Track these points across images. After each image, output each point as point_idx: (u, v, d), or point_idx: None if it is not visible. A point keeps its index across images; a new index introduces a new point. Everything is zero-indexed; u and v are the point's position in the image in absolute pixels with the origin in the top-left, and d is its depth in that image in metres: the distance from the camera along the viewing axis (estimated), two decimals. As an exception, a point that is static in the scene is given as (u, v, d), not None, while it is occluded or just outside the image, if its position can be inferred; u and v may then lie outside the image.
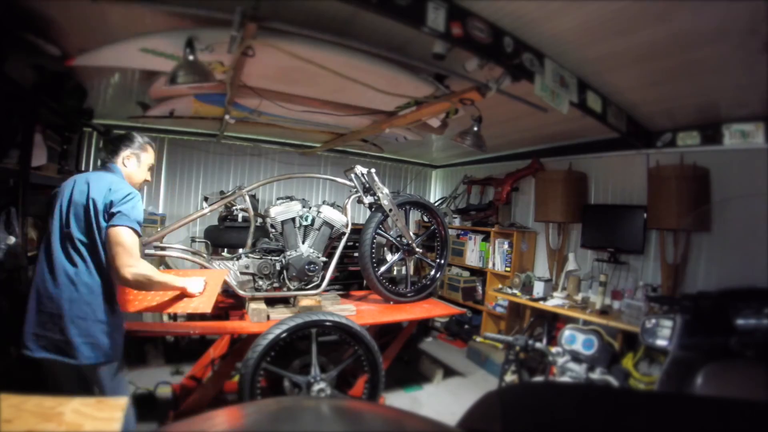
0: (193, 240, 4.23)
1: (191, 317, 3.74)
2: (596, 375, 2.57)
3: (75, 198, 1.72)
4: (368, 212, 2.91)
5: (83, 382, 1.73)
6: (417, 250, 2.98)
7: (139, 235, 1.74)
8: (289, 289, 2.61)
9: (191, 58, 2.04)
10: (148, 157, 1.96)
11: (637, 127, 3.40)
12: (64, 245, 1.69)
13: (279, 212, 2.68)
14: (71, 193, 1.73)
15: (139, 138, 1.93)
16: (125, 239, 1.68)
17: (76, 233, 1.68)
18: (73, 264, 1.67)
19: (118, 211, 1.68)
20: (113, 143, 1.90)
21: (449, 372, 3.93)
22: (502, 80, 2.39)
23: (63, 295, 1.65)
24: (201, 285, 2.03)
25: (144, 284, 1.76)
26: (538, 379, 2.65)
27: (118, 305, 1.78)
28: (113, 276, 1.71)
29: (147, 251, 2.36)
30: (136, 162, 1.91)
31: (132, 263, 1.68)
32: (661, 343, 1.61)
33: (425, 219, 3.94)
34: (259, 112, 3.42)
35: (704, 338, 1.35)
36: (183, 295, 1.98)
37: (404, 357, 3.86)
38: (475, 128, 2.98)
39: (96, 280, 1.70)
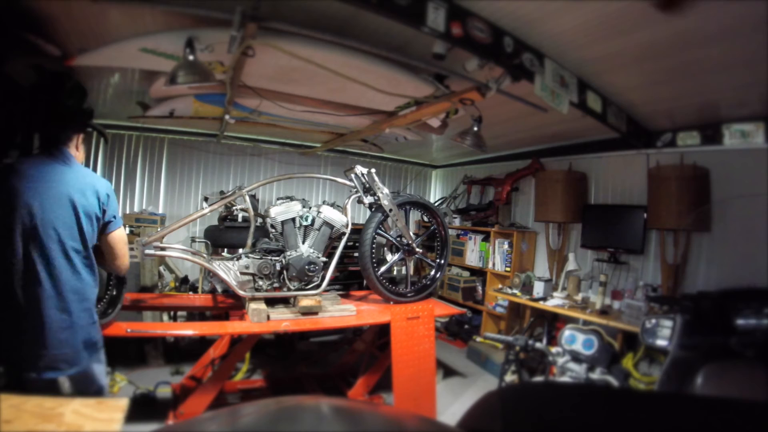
0: (193, 240, 4.23)
1: (191, 317, 3.76)
2: (596, 375, 2.56)
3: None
4: (368, 212, 2.91)
5: None
6: (417, 250, 2.97)
7: None
8: (289, 289, 2.61)
9: (191, 58, 2.04)
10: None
11: (637, 127, 3.40)
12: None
13: (279, 212, 2.68)
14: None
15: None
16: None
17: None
18: None
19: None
20: (67, 119, 1.63)
21: (449, 372, 3.93)
22: (502, 80, 2.38)
23: None
24: None
25: None
26: (538, 379, 2.65)
27: None
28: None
29: (147, 251, 2.36)
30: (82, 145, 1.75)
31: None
32: (661, 343, 1.61)
33: (425, 219, 3.93)
34: (259, 112, 3.42)
35: (704, 338, 1.35)
36: None
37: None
38: (475, 128, 2.97)
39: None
